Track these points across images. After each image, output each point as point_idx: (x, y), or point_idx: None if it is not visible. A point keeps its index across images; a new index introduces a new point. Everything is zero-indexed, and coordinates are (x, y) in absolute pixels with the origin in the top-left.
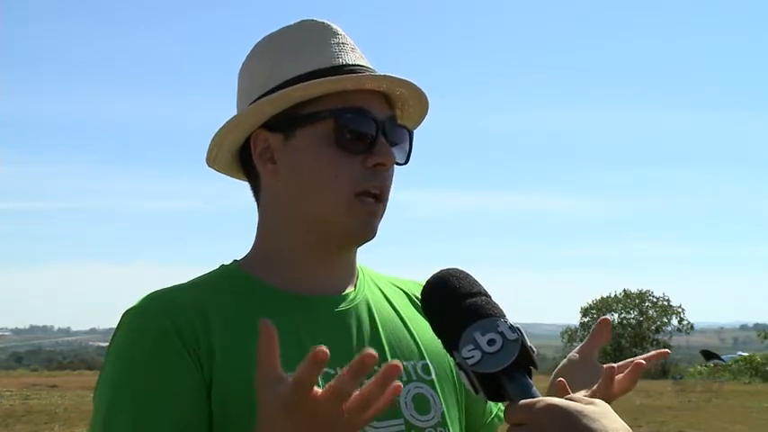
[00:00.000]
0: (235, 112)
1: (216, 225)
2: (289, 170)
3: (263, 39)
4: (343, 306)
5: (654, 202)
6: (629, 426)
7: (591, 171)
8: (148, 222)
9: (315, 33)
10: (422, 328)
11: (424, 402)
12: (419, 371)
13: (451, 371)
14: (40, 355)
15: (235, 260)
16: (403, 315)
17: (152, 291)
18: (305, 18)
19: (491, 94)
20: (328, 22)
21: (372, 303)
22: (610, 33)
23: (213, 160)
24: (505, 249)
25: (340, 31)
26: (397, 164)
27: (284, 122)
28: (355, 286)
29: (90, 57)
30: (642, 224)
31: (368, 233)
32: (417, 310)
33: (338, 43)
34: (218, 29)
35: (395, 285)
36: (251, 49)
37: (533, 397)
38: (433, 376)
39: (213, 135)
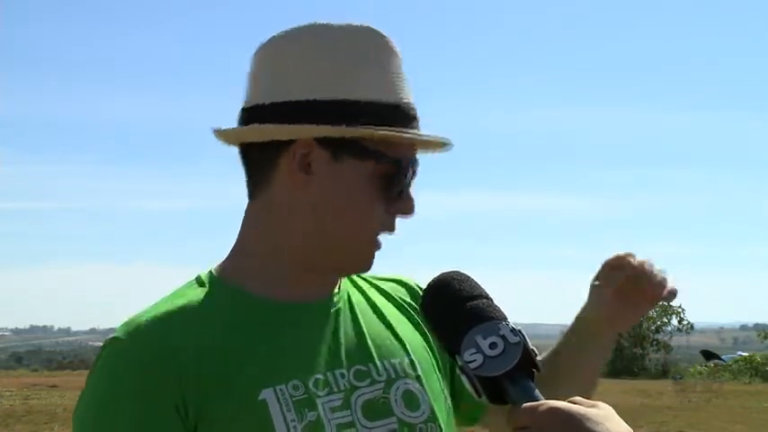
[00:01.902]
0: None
1: (216, 225)
2: (324, 189)
3: (325, 29)
4: (324, 309)
5: (654, 202)
6: (630, 427)
7: (591, 171)
8: (148, 222)
9: (386, 53)
10: (403, 324)
11: (414, 398)
12: (406, 367)
13: (434, 365)
14: (40, 355)
15: (210, 270)
16: (385, 313)
17: (134, 318)
18: (368, 25)
19: (491, 94)
20: (389, 39)
21: (355, 304)
22: (610, 33)
23: (230, 137)
24: (505, 249)
25: (400, 54)
26: None
27: (338, 143)
28: (338, 288)
29: (90, 57)
30: (642, 224)
31: (367, 269)
32: (397, 307)
33: (401, 72)
34: (218, 29)
35: (374, 284)
36: (309, 31)
37: (536, 400)
38: (420, 371)
39: (260, 126)
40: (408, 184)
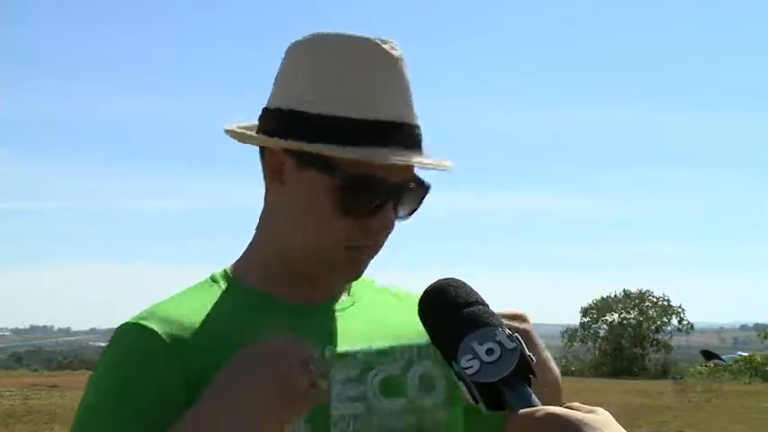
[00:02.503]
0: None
1: (216, 225)
2: (292, 196)
3: (327, 42)
4: (335, 312)
5: (654, 202)
6: (630, 426)
7: (591, 171)
8: (148, 222)
9: (383, 67)
10: (416, 331)
11: (430, 382)
12: (423, 352)
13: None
14: (40, 355)
15: (225, 269)
16: (397, 319)
17: (146, 310)
18: (371, 38)
19: (491, 94)
20: (393, 53)
21: (367, 309)
22: (610, 33)
23: (233, 134)
24: (505, 249)
25: (403, 65)
26: (399, 217)
27: (301, 154)
28: (349, 292)
29: (90, 57)
30: (642, 224)
31: (352, 279)
32: (411, 318)
33: (402, 88)
34: (218, 29)
35: (388, 295)
36: (313, 43)
37: (533, 406)
38: (434, 359)
39: (238, 128)
40: (379, 203)
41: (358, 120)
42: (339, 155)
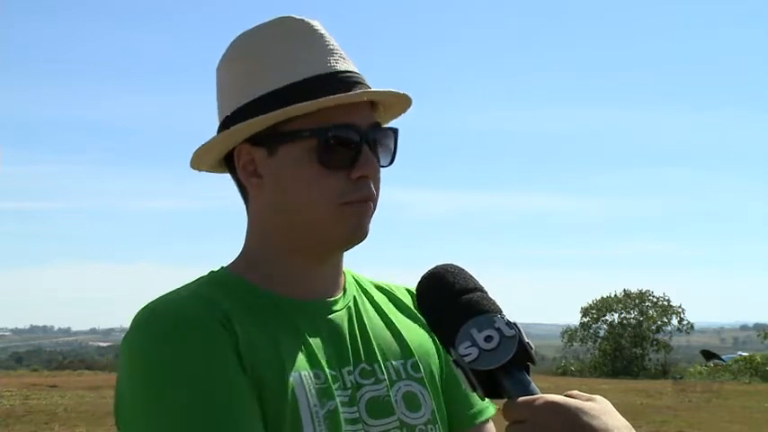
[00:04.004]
0: (216, 112)
1: (216, 225)
2: (274, 185)
3: (242, 38)
4: (332, 310)
5: (654, 202)
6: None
7: (591, 171)
8: (149, 222)
9: (300, 35)
10: (408, 328)
11: (415, 400)
12: (409, 369)
13: (437, 369)
14: (40, 355)
15: (222, 267)
16: (389, 316)
17: (155, 300)
18: (284, 15)
19: (490, 95)
20: (309, 21)
21: (360, 306)
22: (609, 33)
23: (198, 165)
24: (505, 249)
25: (322, 30)
26: (383, 166)
27: (267, 138)
28: (344, 290)
29: (90, 57)
30: (642, 224)
31: (359, 236)
32: (402, 312)
33: (325, 47)
34: (218, 29)
35: (380, 289)
36: (230, 46)
37: (532, 394)
38: (423, 374)
39: (195, 150)
40: (361, 146)
41: (294, 83)
42: (294, 112)
